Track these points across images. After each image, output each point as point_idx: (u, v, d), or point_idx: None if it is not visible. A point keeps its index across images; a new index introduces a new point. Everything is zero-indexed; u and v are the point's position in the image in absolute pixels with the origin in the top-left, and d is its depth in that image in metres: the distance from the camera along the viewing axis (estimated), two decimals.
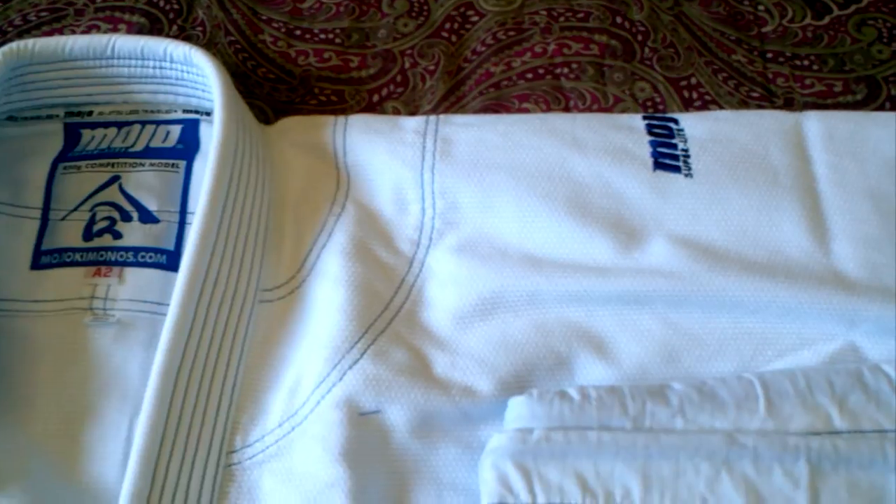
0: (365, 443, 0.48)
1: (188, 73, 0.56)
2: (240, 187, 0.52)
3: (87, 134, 0.58)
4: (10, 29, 0.62)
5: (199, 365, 0.49)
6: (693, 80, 0.60)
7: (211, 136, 0.56)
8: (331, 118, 0.58)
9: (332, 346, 0.50)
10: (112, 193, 0.56)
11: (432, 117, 0.57)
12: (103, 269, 0.54)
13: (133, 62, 0.56)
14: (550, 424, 0.47)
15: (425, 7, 0.63)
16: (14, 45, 0.54)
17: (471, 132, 0.56)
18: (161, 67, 0.56)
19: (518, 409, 0.48)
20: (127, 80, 0.57)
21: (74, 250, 0.54)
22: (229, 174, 0.52)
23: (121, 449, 0.50)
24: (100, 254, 0.54)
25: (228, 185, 0.51)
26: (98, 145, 0.57)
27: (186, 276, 0.49)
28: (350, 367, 0.50)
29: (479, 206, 0.54)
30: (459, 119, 0.58)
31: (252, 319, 0.52)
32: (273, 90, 0.60)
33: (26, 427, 0.50)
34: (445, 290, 0.52)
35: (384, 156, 0.56)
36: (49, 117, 0.58)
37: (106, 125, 0.58)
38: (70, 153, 0.57)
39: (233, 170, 0.52)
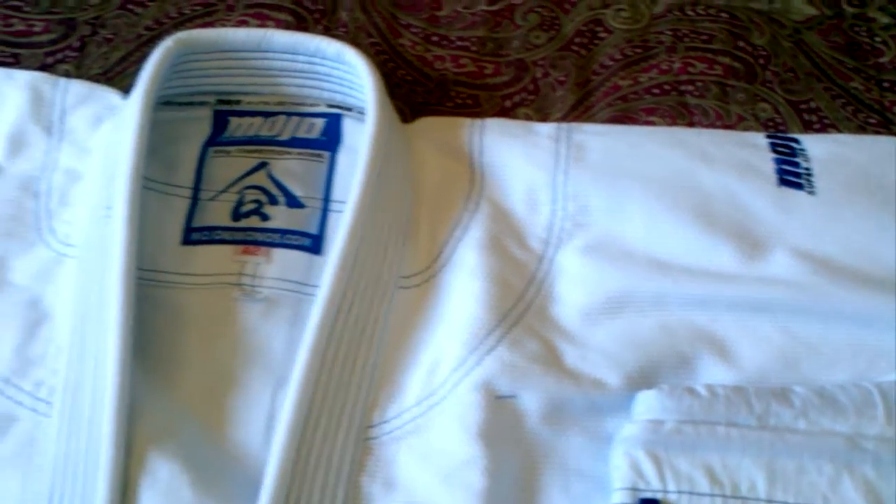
0: (500, 425, 0.51)
1: (337, 69, 0.59)
2: (387, 179, 0.55)
3: (234, 121, 0.61)
4: (166, 21, 0.66)
5: (345, 342, 0.52)
6: (812, 104, 0.62)
7: (353, 131, 0.60)
8: (467, 120, 0.61)
9: (470, 332, 0.53)
10: (260, 178, 0.59)
11: (564, 124, 0.60)
12: (251, 247, 0.57)
13: (285, 56, 0.60)
14: (680, 418, 0.49)
15: (556, 21, 0.66)
16: (183, 34, 0.58)
17: (602, 140, 0.59)
18: (311, 63, 0.60)
19: (648, 402, 0.50)
20: (277, 73, 0.60)
21: (223, 229, 0.58)
22: (380, 166, 0.55)
23: (263, 418, 0.52)
24: (247, 233, 0.57)
25: (378, 176, 0.54)
26: (245, 132, 0.60)
27: (339, 259, 0.52)
28: (488, 353, 0.52)
29: (608, 210, 0.57)
30: (591, 127, 0.61)
31: (392, 303, 0.54)
32: (411, 91, 0.63)
33: (175, 391, 0.53)
34: (574, 287, 0.55)
35: (519, 158, 0.59)
36: (201, 104, 0.61)
37: (253, 114, 0.61)
38: (218, 138, 0.60)
39: (383, 163, 0.55)
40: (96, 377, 0.50)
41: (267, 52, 0.59)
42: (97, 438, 0.49)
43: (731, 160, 0.58)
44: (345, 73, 0.59)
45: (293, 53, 0.59)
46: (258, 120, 0.61)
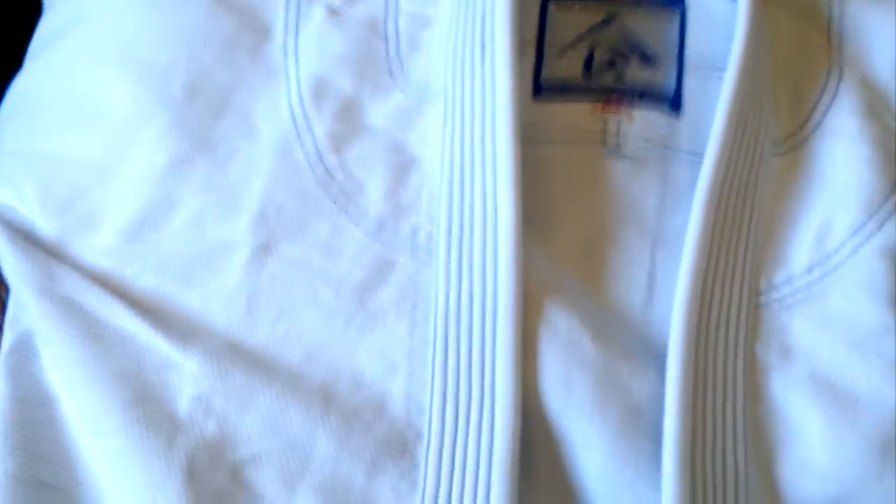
0: None
1: None
2: (758, 41, 0.52)
3: None
4: None
5: (731, 207, 0.49)
6: None
7: None
8: None
9: (864, 197, 0.50)
10: (609, 34, 0.55)
11: None
12: (611, 105, 0.54)
13: None
14: None
15: None
16: None
17: None
18: None
19: None
20: None
21: (576, 84, 0.54)
22: (757, 27, 0.51)
23: (644, 278, 0.50)
24: (603, 90, 0.54)
25: (756, 37, 0.51)
26: None
27: (724, 122, 0.49)
28: (887, 219, 0.50)
29: None
30: None
31: (765, 169, 0.51)
32: None
33: (551, 245, 0.50)
34: None
35: (885, 27, 0.55)
36: None
37: None
38: None
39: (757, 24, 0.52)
40: (486, 226, 0.48)
41: None
42: (492, 287, 0.46)
43: None
44: None
45: None
46: None
